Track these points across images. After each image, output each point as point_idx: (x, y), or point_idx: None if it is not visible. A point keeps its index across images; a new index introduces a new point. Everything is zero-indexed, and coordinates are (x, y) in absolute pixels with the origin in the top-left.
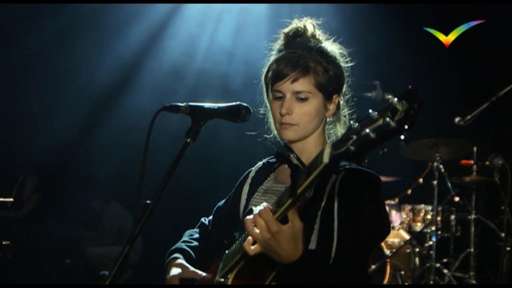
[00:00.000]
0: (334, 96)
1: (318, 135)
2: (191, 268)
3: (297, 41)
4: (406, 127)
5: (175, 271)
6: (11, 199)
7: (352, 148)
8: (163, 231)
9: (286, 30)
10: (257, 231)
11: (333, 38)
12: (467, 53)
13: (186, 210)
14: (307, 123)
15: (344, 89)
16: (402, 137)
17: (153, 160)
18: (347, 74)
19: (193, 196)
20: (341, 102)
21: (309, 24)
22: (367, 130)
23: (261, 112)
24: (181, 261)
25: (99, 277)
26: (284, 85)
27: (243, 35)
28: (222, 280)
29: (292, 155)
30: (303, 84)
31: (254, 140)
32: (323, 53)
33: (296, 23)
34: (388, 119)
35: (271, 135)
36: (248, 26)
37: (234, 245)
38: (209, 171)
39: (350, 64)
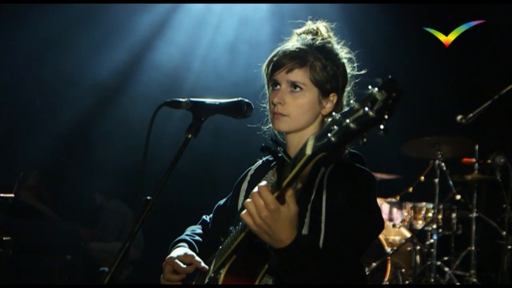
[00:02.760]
0: (331, 95)
1: (313, 131)
2: (191, 253)
3: (302, 37)
4: (385, 116)
5: (175, 253)
6: (12, 195)
7: (333, 139)
8: (165, 227)
9: (298, 30)
10: (254, 209)
11: (343, 42)
12: (470, 51)
13: (187, 206)
14: (299, 116)
15: (346, 92)
16: (382, 126)
17: (154, 156)
18: (349, 76)
19: (194, 193)
20: (344, 102)
21: (322, 27)
22: (348, 121)
23: (263, 105)
24: (185, 248)
25: (99, 273)
26: (280, 75)
27: (246, 32)
28: (214, 275)
29: (278, 148)
30: (298, 75)
31: (258, 138)
32: (324, 50)
33: (309, 25)
34: (367, 109)
35: (268, 126)
36: (250, 25)
37: (227, 240)
38: (211, 167)
39: (360, 72)
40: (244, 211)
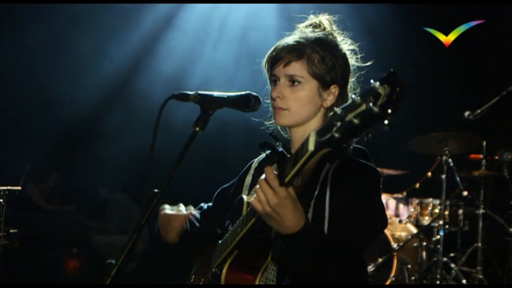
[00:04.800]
0: (332, 86)
1: (317, 125)
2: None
3: (301, 31)
4: (389, 111)
5: (168, 210)
6: (19, 188)
7: (336, 135)
8: None
9: (301, 24)
10: (263, 196)
11: (347, 34)
12: (478, 47)
13: (192, 199)
14: (299, 109)
15: (350, 84)
16: (386, 121)
17: (161, 149)
18: (353, 68)
19: (199, 185)
20: (349, 94)
21: (325, 20)
22: (350, 116)
23: (267, 101)
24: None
25: (106, 265)
26: (278, 69)
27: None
28: (216, 271)
29: (277, 144)
30: (295, 68)
31: (263, 131)
32: (322, 42)
33: (311, 19)
34: (371, 104)
35: (271, 122)
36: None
37: (227, 235)
38: (217, 160)
39: (363, 64)
40: (254, 196)
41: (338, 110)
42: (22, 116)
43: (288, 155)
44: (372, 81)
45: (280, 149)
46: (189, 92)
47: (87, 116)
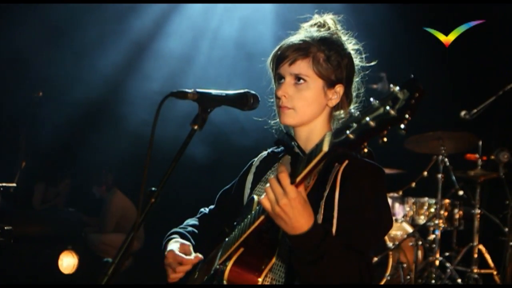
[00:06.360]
0: (337, 86)
1: (323, 124)
2: (187, 243)
3: (306, 30)
4: (406, 116)
5: (171, 247)
6: (14, 184)
7: (351, 136)
8: (165, 218)
9: (305, 24)
10: (273, 196)
11: (351, 34)
12: (474, 47)
13: (187, 198)
14: (304, 108)
15: (355, 84)
16: (402, 126)
17: (159, 147)
18: (358, 68)
19: (195, 184)
20: (354, 94)
21: (329, 19)
22: (367, 118)
23: (271, 100)
24: (178, 239)
25: (103, 264)
26: (283, 68)
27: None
28: (220, 267)
29: (293, 143)
30: (301, 67)
31: (262, 131)
32: (327, 41)
33: (316, 18)
34: (388, 107)
35: (275, 121)
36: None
37: (234, 232)
38: (214, 159)
39: (369, 64)
40: (263, 196)
41: (355, 112)
42: (16, 113)
43: (302, 154)
44: (391, 85)
45: (295, 147)
46: (187, 90)
47: (82, 113)
